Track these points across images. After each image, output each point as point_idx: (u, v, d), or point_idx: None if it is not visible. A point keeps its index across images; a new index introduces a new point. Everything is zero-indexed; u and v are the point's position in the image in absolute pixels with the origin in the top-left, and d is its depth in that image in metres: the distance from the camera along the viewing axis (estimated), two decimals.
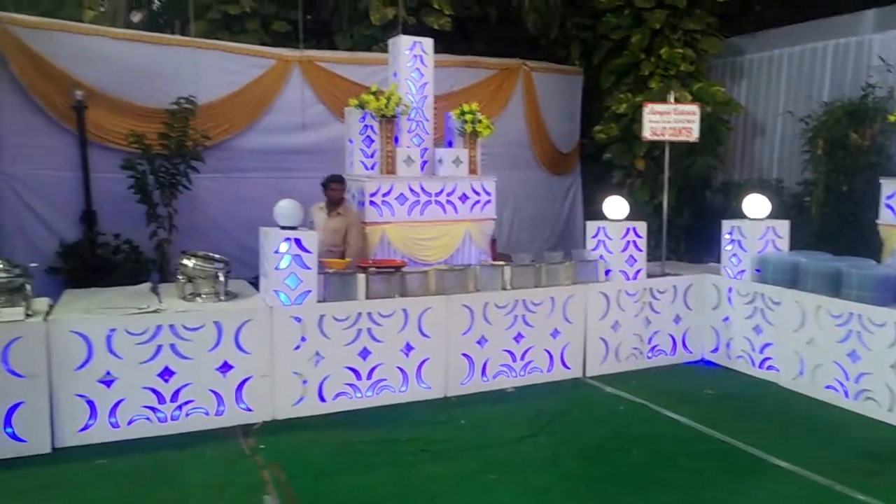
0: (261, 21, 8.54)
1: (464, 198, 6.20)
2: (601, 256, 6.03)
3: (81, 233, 6.93)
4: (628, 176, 8.77)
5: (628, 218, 6.18)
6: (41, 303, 4.48)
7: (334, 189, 5.83)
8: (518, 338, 5.56)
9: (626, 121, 8.46)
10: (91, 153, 6.88)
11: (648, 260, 6.30)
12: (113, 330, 4.31)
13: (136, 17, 9.33)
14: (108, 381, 4.31)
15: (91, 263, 6.73)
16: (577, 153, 9.97)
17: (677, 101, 7.17)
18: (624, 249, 6.02)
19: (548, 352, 5.70)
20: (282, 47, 8.12)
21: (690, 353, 6.33)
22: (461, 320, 5.33)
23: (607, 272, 6.00)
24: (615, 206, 6.17)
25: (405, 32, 7.26)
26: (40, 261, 5.77)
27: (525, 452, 4.37)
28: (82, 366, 4.25)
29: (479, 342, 5.41)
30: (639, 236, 6.08)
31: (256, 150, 7.73)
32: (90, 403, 4.28)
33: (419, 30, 8.06)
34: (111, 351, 4.30)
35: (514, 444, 4.50)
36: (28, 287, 4.26)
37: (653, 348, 6.16)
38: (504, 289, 5.56)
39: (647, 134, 6.90)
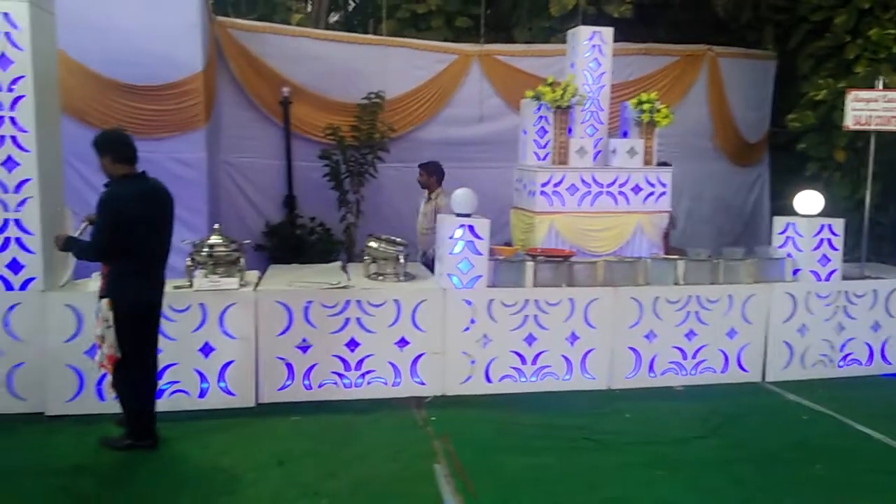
0: (445, 18, 8.93)
1: (637, 189, 6.09)
2: (789, 254, 5.64)
3: (283, 215, 7.75)
4: (825, 168, 8.03)
5: (823, 214, 5.70)
6: (251, 275, 5.13)
7: (418, 175, 6.64)
8: (690, 335, 5.39)
9: (825, 108, 7.74)
10: (294, 144, 7.66)
11: (845, 260, 5.77)
12: (310, 302, 4.82)
13: (334, 17, 10.17)
14: (304, 347, 4.84)
15: (290, 242, 7.52)
16: (766, 143, 9.29)
17: (886, 86, 6.45)
18: (816, 248, 5.57)
19: (723, 352, 5.46)
20: (463, 42, 8.45)
21: (890, 364, 5.72)
22: (629, 313, 5.27)
23: (795, 272, 5.60)
24: (809, 200, 5.71)
25: (584, 22, 7.23)
26: (249, 239, 6.55)
27: (694, 453, 4.26)
28: (283, 332, 4.80)
29: (647, 336, 5.32)
30: (834, 234, 5.59)
31: (435, 141, 8.11)
32: (288, 366, 4.84)
33: (598, 18, 7.98)
34: (308, 320, 4.82)
35: (682, 443, 4.39)
36: (242, 261, 4.90)
37: (845, 357, 5.65)
38: (677, 284, 5.41)
39: (849, 123, 6.29)
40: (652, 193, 6.09)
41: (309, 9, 9.49)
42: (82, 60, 6.03)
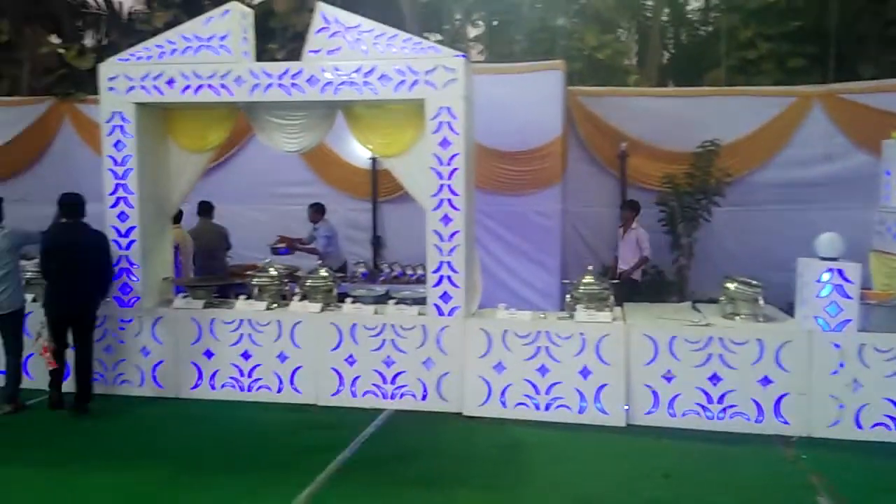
0: (776, 61, 8.93)
1: None
2: None
3: (613, 258, 8.40)
4: None
5: None
6: (617, 311, 5.79)
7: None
8: None
9: None
10: (628, 193, 8.32)
11: None
12: (674, 337, 5.30)
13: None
14: (668, 377, 5.32)
15: (626, 283, 8.09)
16: None
17: None
18: None
19: None
20: (797, 83, 8.36)
21: None
22: None
23: None
24: None
25: None
26: None
27: None
28: (650, 362, 5.34)
29: None
30: None
31: (772, 183, 8.11)
32: (654, 393, 5.35)
33: None
34: (672, 353, 5.31)
35: None
36: (611, 298, 5.60)
37: None
38: None
39: None
40: None
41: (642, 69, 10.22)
42: None
